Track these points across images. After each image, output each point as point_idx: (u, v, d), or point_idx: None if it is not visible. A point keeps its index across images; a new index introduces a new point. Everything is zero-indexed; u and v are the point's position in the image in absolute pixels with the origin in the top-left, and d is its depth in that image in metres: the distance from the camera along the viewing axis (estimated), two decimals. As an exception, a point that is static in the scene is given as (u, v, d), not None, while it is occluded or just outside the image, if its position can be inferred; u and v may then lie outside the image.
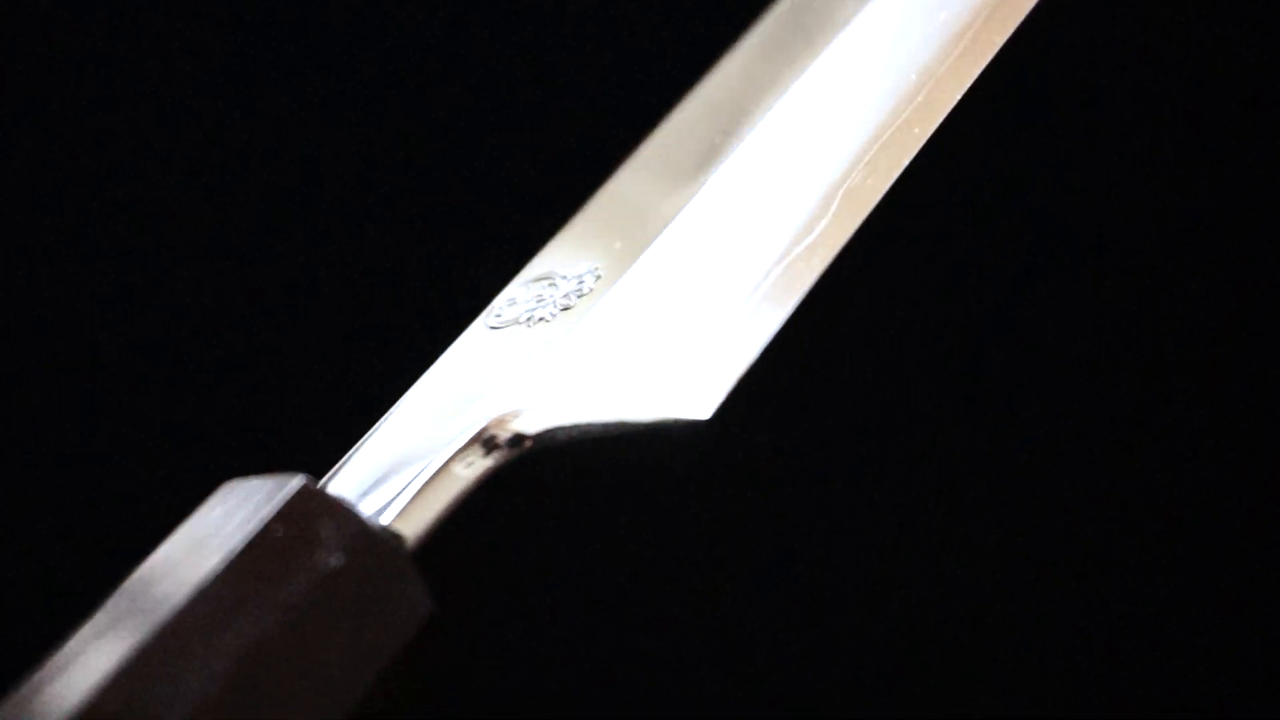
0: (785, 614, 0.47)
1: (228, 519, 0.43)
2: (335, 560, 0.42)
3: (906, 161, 0.48)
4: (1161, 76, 0.57)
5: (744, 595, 0.48)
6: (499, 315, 0.50)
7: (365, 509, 0.45)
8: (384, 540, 0.43)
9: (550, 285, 0.50)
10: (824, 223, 0.47)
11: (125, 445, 0.52)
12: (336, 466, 0.47)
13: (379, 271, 0.56)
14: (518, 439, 0.46)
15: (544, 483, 0.49)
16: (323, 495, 0.43)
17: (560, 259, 0.51)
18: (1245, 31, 0.58)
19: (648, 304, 0.47)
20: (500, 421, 0.46)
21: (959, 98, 0.50)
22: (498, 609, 0.48)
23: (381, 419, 0.48)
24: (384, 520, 0.44)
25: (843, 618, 0.47)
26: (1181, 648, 0.48)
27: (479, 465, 0.46)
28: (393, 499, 0.45)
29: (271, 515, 0.43)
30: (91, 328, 0.54)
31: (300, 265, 0.56)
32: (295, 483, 0.43)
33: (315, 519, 0.43)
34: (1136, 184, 0.55)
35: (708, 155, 0.51)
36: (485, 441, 0.46)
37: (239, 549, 0.42)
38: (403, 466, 0.46)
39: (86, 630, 0.42)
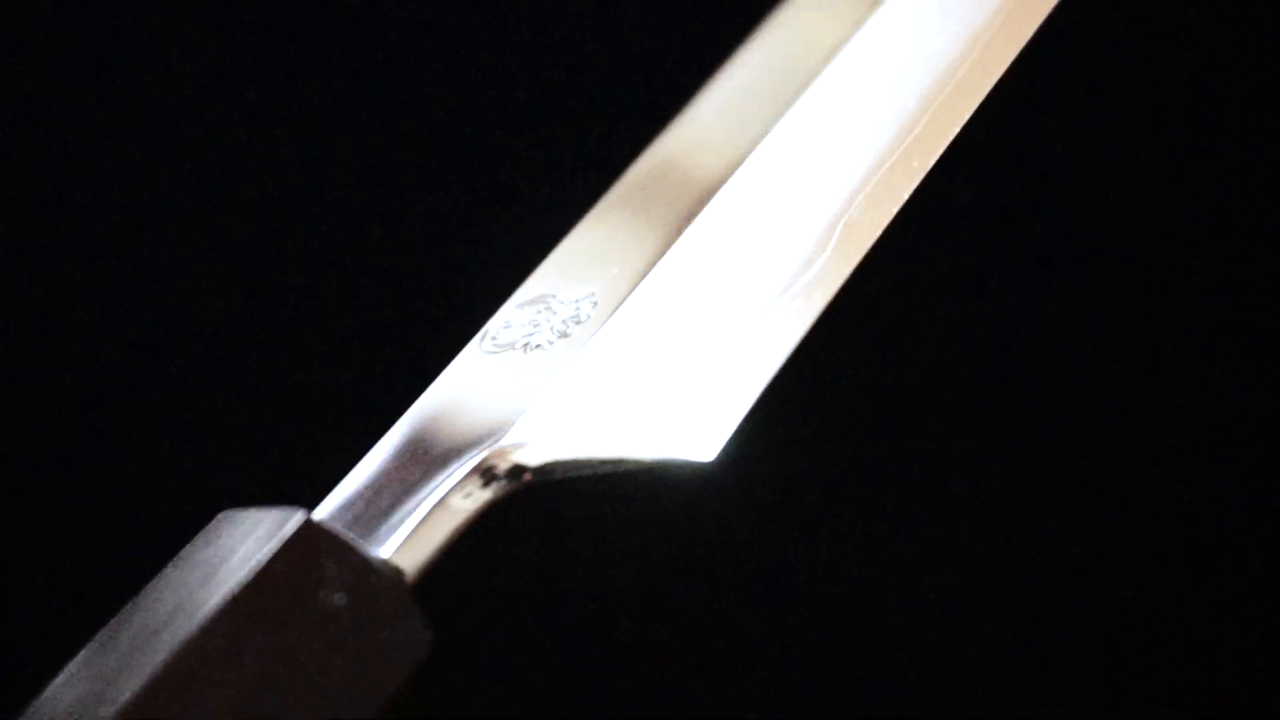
0: (787, 651, 0.48)
1: (227, 553, 0.43)
2: (338, 599, 0.42)
3: (906, 194, 0.48)
4: (1164, 104, 0.57)
5: (746, 630, 0.48)
6: (494, 339, 0.49)
7: (364, 541, 0.45)
8: (386, 577, 0.43)
9: (546, 310, 0.49)
10: (824, 258, 0.47)
11: (117, 469, 0.52)
12: (332, 495, 0.46)
13: (371, 287, 0.55)
14: (517, 472, 0.46)
15: (542, 513, 0.49)
16: (324, 531, 0.43)
17: (554, 281, 0.51)
18: (1252, 55, 0.58)
19: (646, 336, 0.47)
20: (500, 453, 0.46)
21: (959, 129, 0.49)
22: (494, 642, 0.48)
23: (377, 445, 0.47)
24: (383, 553, 0.44)
25: (848, 658, 0.48)
26: (1203, 670, 0.48)
27: (478, 497, 0.46)
28: (392, 531, 0.45)
29: (273, 552, 0.43)
30: (85, 345, 0.54)
31: (290, 284, 0.56)
32: (297, 518, 0.43)
33: (317, 556, 0.43)
34: (1140, 211, 0.55)
35: (702, 184, 0.51)
36: (484, 473, 0.46)
37: (240, 587, 0.42)
38: (400, 497, 0.46)
39: (84, 663, 0.42)
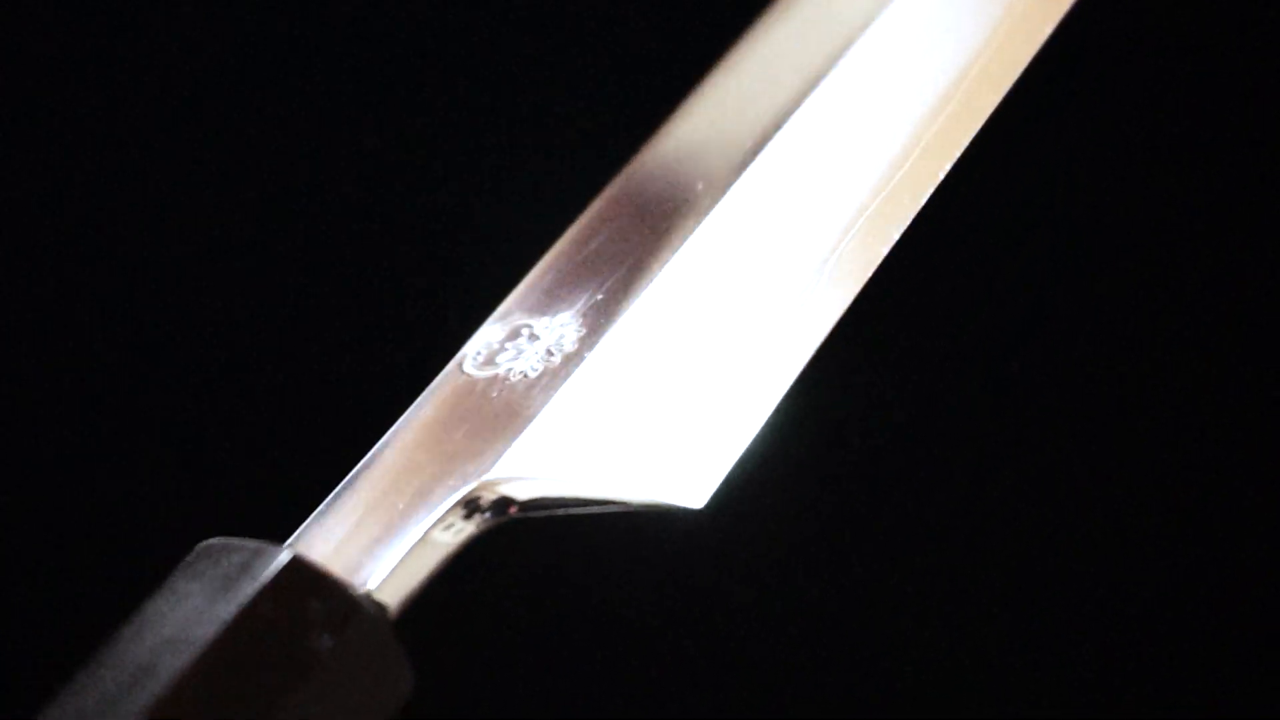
0: (777, 689, 0.47)
1: (211, 589, 0.42)
2: (325, 643, 0.42)
3: (898, 232, 0.48)
4: (1158, 128, 0.57)
5: (734, 667, 0.48)
6: (476, 363, 0.48)
7: (345, 575, 0.44)
8: (371, 616, 0.43)
9: (529, 334, 0.49)
10: (816, 293, 0.47)
11: (92, 487, 0.51)
12: (312, 524, 0.45)
13: (343, 299, 0.54)
14: (502, 507, 0.45)
15: (524, 546, 0.49)
16: (311, 569, 0.42)
17: (537, 302, 0.50)
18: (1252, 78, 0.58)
19: (634, 370, 0.47)
20: (484, 486, 0.45)
21: (951, 164, 0.49)
22: (471, 680, 0.48)
23: (355, 470, 0.46)
24: (366, 588, 0.44)
25: (840, 700, 0.48)
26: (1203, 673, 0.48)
27: (461, 530, 0.45)
28: (374, 565, 0.44)
29: (258, 591, 0.42)
30: (57, 359, 0.53)
31: (260, 297, 0.55)
32: (283, 556, 0.42)
33: (304, 596, 0.42)
34: (1135, 229, 0.55)
35: (685, 213, 0.50)
36: (467, 506, 0.45)
37: (225, 628, 0.41)
38: (382, 529, 0.45)
39: (67, 701, 0.41)
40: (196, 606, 0.42)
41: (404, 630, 0.43)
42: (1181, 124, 0.57)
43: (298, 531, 0.45)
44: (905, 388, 0.52)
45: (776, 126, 0.51)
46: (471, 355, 0.49)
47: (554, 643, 0.49)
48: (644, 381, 0.46)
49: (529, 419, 0.46)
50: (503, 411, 0.47)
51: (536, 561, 0.49)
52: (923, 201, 0.48)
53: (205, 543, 0.44)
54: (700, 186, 0.50)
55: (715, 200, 0.50)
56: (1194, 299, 0.53)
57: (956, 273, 0.54)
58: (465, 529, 0.45)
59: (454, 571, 0.45)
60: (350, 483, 0.46)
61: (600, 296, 0.49)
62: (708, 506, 0.43)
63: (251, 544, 0.43)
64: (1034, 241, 0.55)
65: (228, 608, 0.42)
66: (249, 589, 0.42)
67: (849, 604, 0.49)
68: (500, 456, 0.46)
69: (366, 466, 0.47)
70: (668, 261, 0.49)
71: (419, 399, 0.48)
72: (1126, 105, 0.57)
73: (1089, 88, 0.57)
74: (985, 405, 0.52)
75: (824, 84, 0.52)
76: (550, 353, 0.48)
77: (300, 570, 0.42)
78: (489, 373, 0.48)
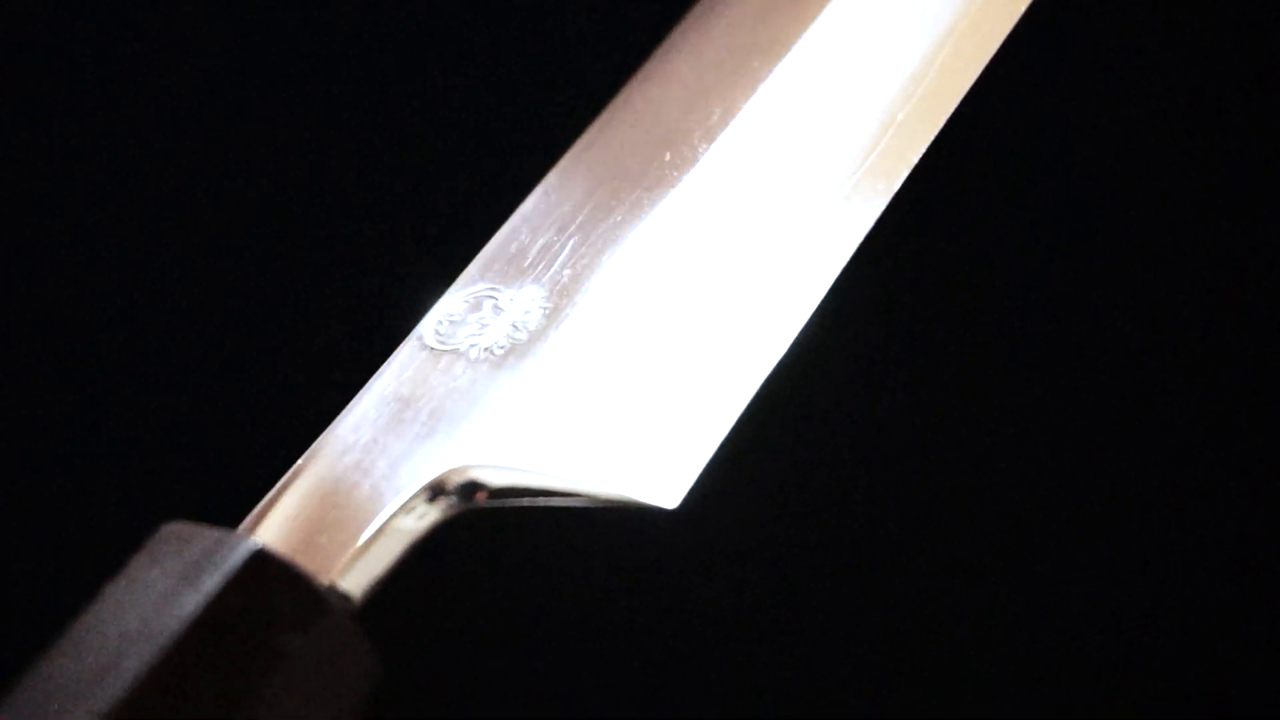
0: (742, 688, 0.47)
1: (172, 580, 0.41)
2: (294, 640, 0.41)
3: (872, 220, 0.47)
4: (1140, 107, 0.56)
5: (708, 666, 0.48)
6: (438, 335, 0.47)
7: (307, 564, 0.43)
8: (336, 607, 0.42)
9: (493, 306, 0.47)
10: (793, 275, 0.46)
11: (36, 479, 0.50)
12: (268, 507, 0.44)
13: (292, 267, 0.53)
14: (468, 492, 0.44)
15: (490, 534, 0.48)
16: (275, 560, 0.41)
17: (501, 270, 0.48)
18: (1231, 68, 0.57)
19: (602, 353, 0.46)
20: (453, 472, 0.44)
21: (926, 147, 0.48)
22: (435, 670, 0.47)
23: (312, 449, 0.45)
24: (329, 578, 0.43)
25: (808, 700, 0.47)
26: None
27: (426, 516, 0.44)
28: (337, 553, 0.43)
29: (223, 583, 0.41)
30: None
31: (206, 272, 0.53)
32: (247, 545, 0.41)
33: (269, 588, 0.41)
34: (1116, 217, 0.55)
35: (653, 184, 0.49)
36: (432, 490, 0.44)
37: (189, 625, 0.40)
38: (342, 514, 0.44)
39: (26, 693, 0.40)
40: (158, 597, 0.41)
41: (369, 619, 0.43)
42: (1171, 98, 0.56)
43: (253, 514, 0.44)
44: (884, 383, 0.52)
45: (747, 95, 0.50)
46: (432, 328, 0.48)
47: (523, 635, 0.48)
48: (613, 364, 0.45)
49: (494, 401, 0.45)
50: (466, 391, 0.46)
51: (509, 553, 0.49)
52: (895, 189, 0.47)
53: (164, 528, 0.43)
54: (668, 155, 0.49)
55: (684, 170, 0.49)
56: (1192, 283, 0.53)
57: (939, 265, 0.54)
58: (430, 514, 0.44)
59: (423, 561, 0.44)
60: (307, 462, 0.45)
61: (568, 271, 0.48)
62: (681, 506, 0.43)
63: (212, 531, 0.42)
64: (1015, 233, 0.54)
65: (192, 600, 0.41)
66: (213, 581, 0.41)
67: (831, 604, 0.49)
68: (465, 440, 0.45)
69: (324, 445, 0.45)
70: (635, 232, 0.48)
71: (377, 373, 0.47)
72: (1091, 106, 0.57)
73: (1049, 88, 0.57)
74: (969, 399, 0.51)
75: (794, 51, 0.51)
76: (515, 328, 0.47)
77: (264, 561, 0.41)
78: (451, 347, 0.47)
